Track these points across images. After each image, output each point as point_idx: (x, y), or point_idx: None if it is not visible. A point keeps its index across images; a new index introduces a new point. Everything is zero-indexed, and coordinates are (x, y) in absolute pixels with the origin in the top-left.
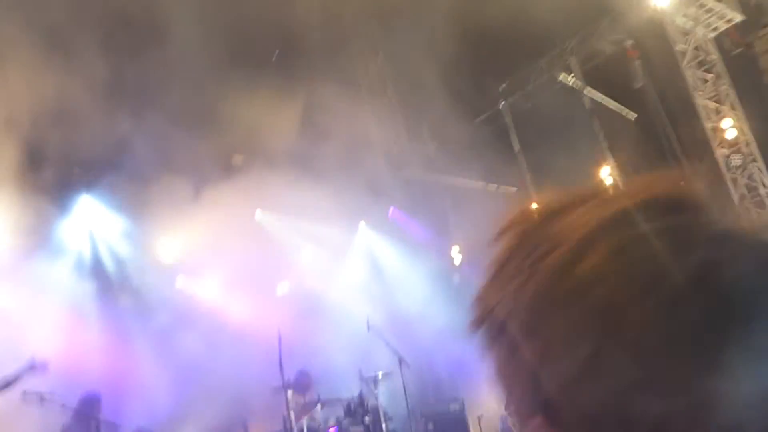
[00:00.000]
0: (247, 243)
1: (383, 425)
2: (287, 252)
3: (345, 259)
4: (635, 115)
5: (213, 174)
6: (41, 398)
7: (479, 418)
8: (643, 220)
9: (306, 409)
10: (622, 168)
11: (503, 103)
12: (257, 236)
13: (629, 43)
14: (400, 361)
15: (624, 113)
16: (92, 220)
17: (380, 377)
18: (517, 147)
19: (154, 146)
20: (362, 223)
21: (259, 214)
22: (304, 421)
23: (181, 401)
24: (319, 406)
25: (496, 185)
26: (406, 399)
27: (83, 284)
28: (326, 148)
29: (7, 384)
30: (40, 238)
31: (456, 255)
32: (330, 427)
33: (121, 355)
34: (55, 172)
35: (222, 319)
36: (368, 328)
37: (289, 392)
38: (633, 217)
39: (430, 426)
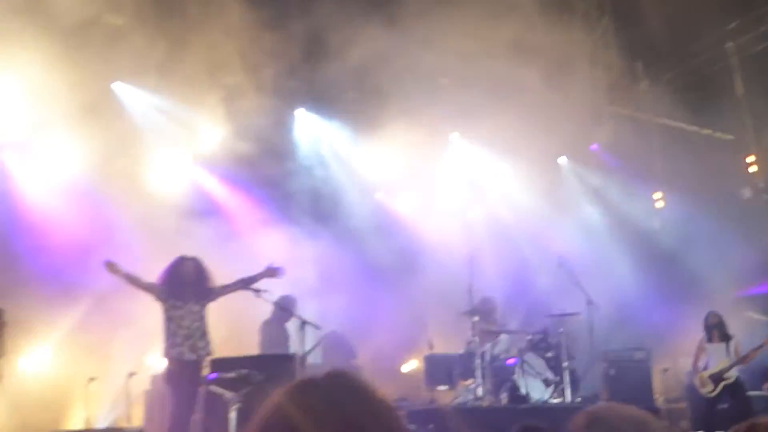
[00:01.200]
0: (444, 166)
1: (564, 363)
2: (483, 178)
3: (540, 192)
4: None
5: (417, 95)
6: (258, 292)
7: (664, 371)
8: None
9: (490, 336)
10: None
11: (730, 43)
12: (453, 160)
13: None
14: (589, 302)
15: None
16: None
17: (566, 316)
18: (740, 91)
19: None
20: (563, 158)
21: (456, 137)
22: (487, 348)
23: (378, 309)
24: (503, 335)
25: (711, 130)
26: (591, 341)
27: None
28: (533, 75)
29: (248, 283)
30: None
31: (658, 200)
32: (510, 358)
33: (320, 259)
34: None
35: (414, 237)
36: (559, 265)
37: (475, 317)
38: None
39: (612, 371)
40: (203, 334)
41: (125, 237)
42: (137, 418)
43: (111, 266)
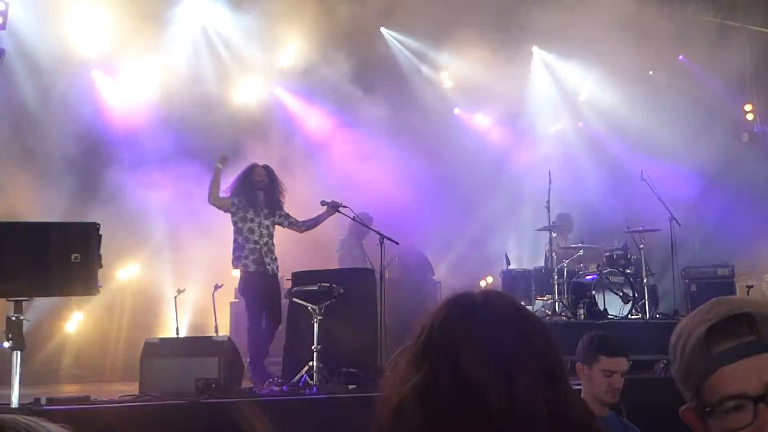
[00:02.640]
0: (524, 80)
1: (644, 280)
2: (564, 92)
3: (624, 104)
4: None
5: (498, 5)
6: (337, 208)
7: (749, 288)
8: None
9: (567, 252)
10: None
11: None
12: (534, 74)
13: None
14: (671, 218)
15: None
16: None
17: (647, 231)
18: None
19: None
20: (651, 70)
21: (536, 50)
22: (565, 264)
23: (456, 224)
24: (581, 251)
25: None
26: (672, 257)
27: None
28: None
29: (315, 224)
30: None
31: (748, 112)
32: (588, 274)
33: (397, 174)
34: None
35: (493, 151)
36: (642, 179)
37: (553, 233)
38: None
39: (693, 288)
40: (270, 250)
41: (209, 160)
42: (224, 329)
43: (224, 159)
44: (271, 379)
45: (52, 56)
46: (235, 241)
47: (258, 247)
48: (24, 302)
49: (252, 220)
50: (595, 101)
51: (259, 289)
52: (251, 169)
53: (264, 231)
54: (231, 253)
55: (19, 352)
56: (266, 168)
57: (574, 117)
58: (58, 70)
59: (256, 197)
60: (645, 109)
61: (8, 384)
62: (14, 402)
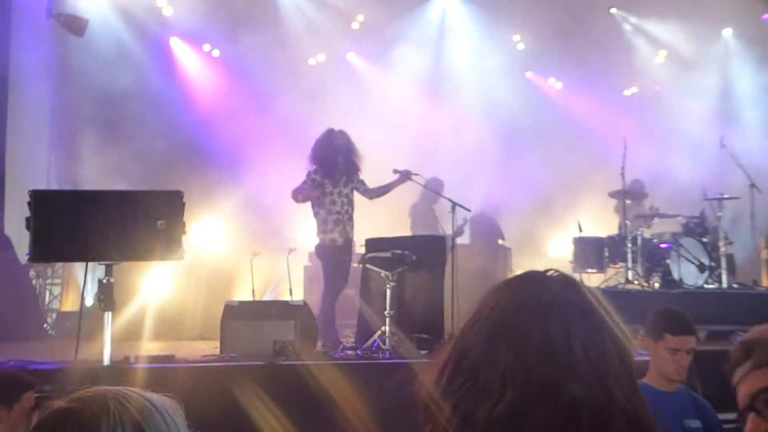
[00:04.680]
0: (598, 41)
1: (721, 248)
2: (639, 54)
3: (700, 69)
4: None
5: None
6: (409, 176)
7: None
8: None
9: (642, 219)
10: None
11: None
12: (609, 34)
13: None
14: (752, 185)
15: None
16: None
17: (726, 199)
18: None
19: None
20: (727, 30)
21: (614, 11)
22: (639, 232)
23: (527, 189)
24: (656, 219)
25: None
26: (752, 225)
27: None
28: None
29: (386, 191)
30: None
31: None
32: (663, 242)
33: (467, 138)
34: None
35: (564, 116)
36: (721, 146)
37: (627, 200)
38: None
39: None
40: (350, 218)
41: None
42: (298, 292)
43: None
44: (344, 343)
45: (134, 23)
46: (317, 214)
47: (340, 217)
48: (114, 266)
49: (331, 193)
50: (673, 63)
51: (340, 257)
52: (330, 134)
53: (344, 200)
54: (307, 218)
55: (110, 313)
56: (343, 132)
57: (651, 80)
58: (140, 38)
59: (336, 163)
60: (724, 71)
61: (99, 340)
62: (106, 360)
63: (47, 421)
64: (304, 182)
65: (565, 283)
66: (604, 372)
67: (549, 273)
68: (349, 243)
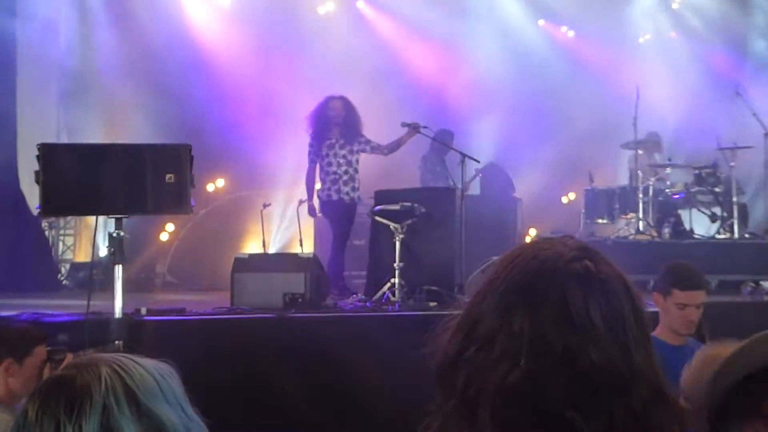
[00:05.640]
0: None
1: (734, 198)
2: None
3: (721, 11)
4: None
5: None
6: (417, 128)
7: None
8: None
9: (654, 170)
10: None
11: None
12: None
13: None
14: (766, 133)
15: None
16: None
17: (739, 149)
18: None
19: None
20: None
21: None
22: (651, 182)
23: (538, 140)
24: (668, 169)
25: None
26: (766, 175)
27: None
28: None
29: (396, 147)
30: None
31: None
32: (675, 193)
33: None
34: None
35: (577, 65)
36: (737, 94)
37: (639, 150)
38: None
39: None
40: (351, 178)
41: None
42: (308, 245)
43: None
44: (354, 295)
45: None
46: (319, 173)
47: (337, 177)
48: (124, 219)
49: (327, 155)
50: (690, 8)
51: (343, 216)
52: (326, 103)
53: (341, 161)
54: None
55: (120, 266)
56: (342, 100)
57: (666, 27)
58: None
59: (329, 133)
60: (743, 20)
61: (110, 292)
62: (117, 312)
63: (42, 388)
64: (309, 164)
65: (581, 249)
66: (624, 339)
67: (564, 239)
68: (344, 201)
